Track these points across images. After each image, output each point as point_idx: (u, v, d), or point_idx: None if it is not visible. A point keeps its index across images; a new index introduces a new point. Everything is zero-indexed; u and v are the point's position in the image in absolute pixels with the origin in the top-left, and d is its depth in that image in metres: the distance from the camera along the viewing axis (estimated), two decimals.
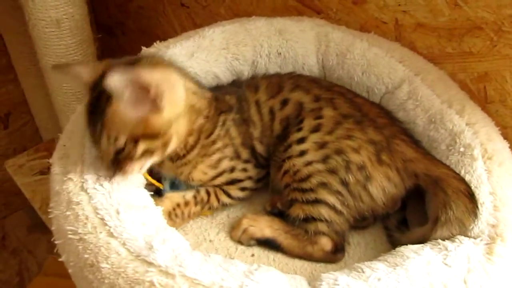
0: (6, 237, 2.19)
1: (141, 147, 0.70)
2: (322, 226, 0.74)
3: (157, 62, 0.77)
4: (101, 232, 0.64)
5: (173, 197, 0.79)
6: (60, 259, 0.68)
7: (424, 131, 0.85)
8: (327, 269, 0.72)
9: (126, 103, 0.67)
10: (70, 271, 0.67)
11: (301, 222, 0.75)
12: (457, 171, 0.76)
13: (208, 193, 0.81)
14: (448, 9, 0.91)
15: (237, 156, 0.82)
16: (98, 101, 0.69)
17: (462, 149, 0.78)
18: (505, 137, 0.87)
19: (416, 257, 0.63)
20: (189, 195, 0.80)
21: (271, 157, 0.84)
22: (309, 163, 0.76)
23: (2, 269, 2.07)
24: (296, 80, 0.89)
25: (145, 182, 0.78)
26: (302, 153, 0.77)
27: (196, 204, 0.80)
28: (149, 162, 0.73)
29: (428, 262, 0.62)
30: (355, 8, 1.06)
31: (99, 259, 0.62)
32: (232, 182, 0.82)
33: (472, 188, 0.72)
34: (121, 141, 0.69)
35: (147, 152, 0.71)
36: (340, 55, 0.97)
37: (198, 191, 0.81)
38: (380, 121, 0.81)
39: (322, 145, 0.77)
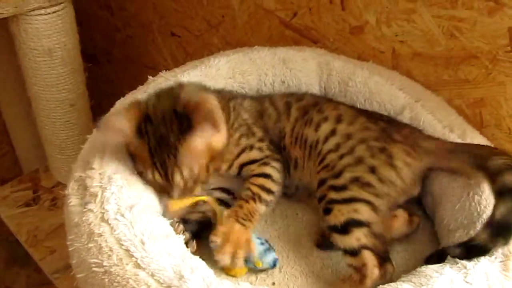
0: None
1: (211, 169, 0.79)
2: (363, 234, 0.73)
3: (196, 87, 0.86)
4: (127, 264, 0.63)
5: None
6: None
7: None
8: None
9: (199, 138, 0.75)
10: None
11: (340, 236, 0.74)
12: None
13: (248, 189, 0.82)
14: (444, 39, 0.96)
15: (252, 133, 0.88)
16: (161, 142, 0.74)
17: None
18: None
19: (439, 276, 0.65)
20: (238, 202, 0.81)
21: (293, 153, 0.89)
22: (342, 156, 0.81)
23: None
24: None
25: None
26: (337, 147, 0.82)
27: (248, 201, 0.79)
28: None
29: (452, 281, 0.64)
30: (352, 38, 1.11)
31: None
32: (251, 162, 0.85)
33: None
34: (195, 171, 0.76)
35: (214, 171, 0.80)
36: (342, 83, 1.01)
37: (240, 196, 0.81)
38: (385, 118, 0.92)
39: (348, 136, 0.83)
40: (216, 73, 0.96)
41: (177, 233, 0.73)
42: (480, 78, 0.95)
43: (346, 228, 0.74)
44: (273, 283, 0.76)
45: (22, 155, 1.96)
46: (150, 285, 0.61)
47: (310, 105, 0.92)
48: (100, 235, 0.66)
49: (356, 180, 0.77)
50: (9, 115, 1.84)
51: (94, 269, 0.64)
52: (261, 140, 0.88)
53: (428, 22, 0.97)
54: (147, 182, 0.78)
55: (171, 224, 0.74)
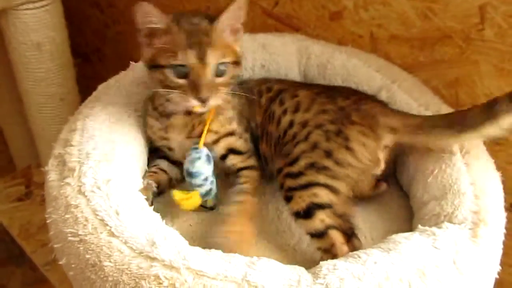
0: None
1: (234, 70, 0.82)
2: (326, 215, 0.74)
3: None
4: (101, 233, 0.64)
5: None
6: (60, 262, 0.67)
7: None
8: None
9: (225, 29, 0.81)
10: (70, 273, 0.66)
11: (305, 221, 0.75)
12: (438, 166, 0.81)
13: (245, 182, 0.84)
14: (418, 20, 0.98)
15: (239, 121, 0.89)
16: (196, 28, 0.78)
17: None
18: None
19: (407, 241, 0.66)
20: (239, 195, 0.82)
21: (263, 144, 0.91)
22: (297, 144, 0.81)
23: None
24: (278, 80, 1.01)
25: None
26: (294, 137, 0.83)
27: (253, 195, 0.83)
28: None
29: (419, 246, 0.65)
30: (332, 24, 1.13)
31: (102, 258, 0.62)
32: (238, 152, 0.87)
33: (454, 179, 0.77)
34: (227, 59, 0.80)
35: (233, 78, 0.83)
36: (320, 66, 1.03)
37: (233, 202, 0.81)
38: (348, 91, 0.93)
39: (304, 124, 0.84)
40: None
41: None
42: (454, 58, 0.97)
43: (309, 212, 0.75)
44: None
45: (16, 153, 1.98)
46: (123, 252, 0.62)
47: (275, 96, 0.92)
48: (77, 206, 0.68)
49: (311, 166, 0.78)
50: (2, 113, 1.86)
51: (70, 238, 0.65)
52: (246, 130, 0.90)
53: (403, 5, 0.99)
54: (168, 76, 0.78)
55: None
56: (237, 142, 0.88)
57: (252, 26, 1.30)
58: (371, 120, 0.82)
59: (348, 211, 0.77)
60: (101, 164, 0.74)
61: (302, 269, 0.64)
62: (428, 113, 0.89)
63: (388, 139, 0.81)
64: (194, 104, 0.78)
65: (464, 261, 0.65)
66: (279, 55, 1.04)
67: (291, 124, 0.85)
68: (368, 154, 0.80)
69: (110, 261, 0.62)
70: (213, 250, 0.65)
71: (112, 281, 0.61)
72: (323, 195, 0.76)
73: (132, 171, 0.79)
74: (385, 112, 0.84)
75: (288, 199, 0.78)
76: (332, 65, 1.02)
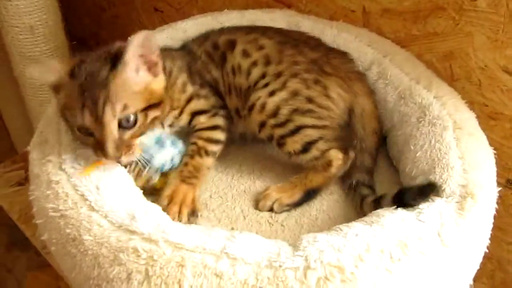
0: None
1: (151, 114, 0.72)
2: (321, 145, 0.80)
3: None
4: (81, 207, 0.64)
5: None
6: (42, 237, 0.67)
7: (395, 107, 0.88)
8: None
9: (132, 71, 0.70)
10: (52, 249, 0.67)
11: (303, 155, 0.81)
12: (428, 141, 0.79)
13: (193, 143, 0.83)
14: None
15: (193, 80, 0.86)
16: (92, 79, 0.68)
17: (432, 120, 0.81)
18: (473, 112, 0.91)
19: (390, 215, 0.65)
20: (184, 158, 0.81)
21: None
22: (272, 93, 0.82)
23: None
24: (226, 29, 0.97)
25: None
26: (266, 85, 0.84)
27: (193, 156, 0.80)
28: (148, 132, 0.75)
29: (402, 219, 0.64)
30: None
31: (81, 232, 0.62)
32: (201, 112, 0.85)
33: (442, 154, 0.75)
34: (131, 110, 0.69)
35: (155, 120, 0.74)
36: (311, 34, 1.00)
37: (186, 153, 0.82)
38: (312, 42, 0.93)
39: (278, 75, 0.84)
40: (183, 35, 0.97)
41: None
42: (448, 30, 0.94)
43: (305, 149, 0.81)
44: (232, 229, 0.77)
45: (17, 138, 1.99)
46: (102, 226, 0.62)
47: (228, 47, 0.89)
48: (57, 182, 0.68)
49: (295, 111, 0.81)
50: (1, 98, 1.86)
51: (51, 213, 0.65)
52: (202, 86, 0.87)
53: None
54: (77, 133, 0.71)
55: None
56: (197, 104, 0.85)
57: (245, 3, 1.28)
58: (344, 73, 0.87)
59: (340, 134, 0.83)
60: None
61: (283, 242, 0.63)
62: (419, 87, 0.87)
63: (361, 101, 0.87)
64: (108, 162, 0.71)
65: (449, 234, 0.64)
66: None
67: (263, 75, 0.85)
68: (344, 104, 0.85)
69: (89, 235, 0.61)
70: (193, 225, 0.64)
71: (92, 254, 0.60)
72: (314, 133, 0.81)
73: None
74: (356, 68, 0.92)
75: (281, 145, 0.82)
76: (323, 40, 0.99)
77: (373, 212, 0.69)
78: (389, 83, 0.91)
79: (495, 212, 0.74)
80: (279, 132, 0.81)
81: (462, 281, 0.66)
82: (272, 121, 0.82)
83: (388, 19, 1.02)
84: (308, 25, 1.03)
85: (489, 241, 0.71)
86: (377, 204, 0.73)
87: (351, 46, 0.98)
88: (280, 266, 0.57)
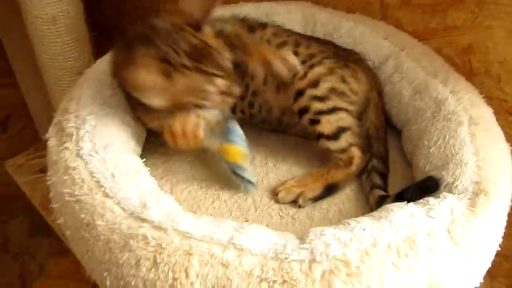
0: (8, 242, 2.21)
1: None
2: (349, 136, 0.82)
3: None
4: (96, 193, 0.66)
5: None
6: (58, 221, 0.70)
7: (410, 101, 0.88)
8: None
9: None
10: (67, 233, 0.69)
11: (332, 141, 0.82)
12: (442, 136, 0.78)
13: None
14: None
15: None
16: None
17: (447, 115, 0.80)
18: (491, 108, 0.89)
19: (400, 210, 0.64)
20: None
21: None
22: (312, 66, 0.85)
23: (4, 273, 2.08)
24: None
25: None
26: (304, 62, 0.86)
27: None
28: None
29: (412, 214, 0.63)
30: None
31: (95, 218, 0.64)
32: None
33: (456, 149, 0.74)
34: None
35: None
36: (327, 34, 1.00)
37: None
38: (331, 43, 0.97)
39: (311, 56, 0.88)
40: None
41: None
42: (467, 23, 0.92)
43: (336, 135, 0.82)
44: (246, 220, 0.78)
45: (41, 127, 2.04)
46: (115, 212, 0.64)
47: (259, 26, 0.92)
48: (74, 168, 0.70)
49: (333, 90, 0.83)
50: (26, 87, 1.91)
51: (67, 198, 0.67)
52: None
53: None
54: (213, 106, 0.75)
55: None
56: None
57: None
58: (363, 66, 0.91)
59: (361, 131, 0.85)
60: (96, 128, 0.75)
61: (291, 235, 0.63)
62: (436, 81, 0.86)
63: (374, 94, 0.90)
64: None
65: (460, 231, 0.63)
66: (283, 23, 1.02)
67: (295, 53, 0.86)
68: (365, 89, 0.88)
69: (102, 221, 0.63)
70: (204, 216, 0.65)
71: (103, 239, 0.62)
72: (346, 119, 0.83)
73: (128, 136, 0.79)
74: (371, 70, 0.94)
75: (315, 122, 0.83)
76: (339, 33, 0.99)
77: (383, 207, 0.68)
78: (404, 77, 0.90)
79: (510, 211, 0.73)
80: (317, 106, 0.82)
81: (472, 278, 0.65)
82: (313, 91, 0.83)
83: (407, 12, 1.01)
84: (324, 17, 1.02)
85: (505, 240, 0.70)
86: (382, 200, 0.73)
87: (368, 39, 0.97)
88: (286, 258, 0.58)
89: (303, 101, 0.83)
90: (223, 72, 0.72)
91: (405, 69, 0.90)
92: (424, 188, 0.71)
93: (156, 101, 0.71)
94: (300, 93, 0.83)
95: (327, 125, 0.82)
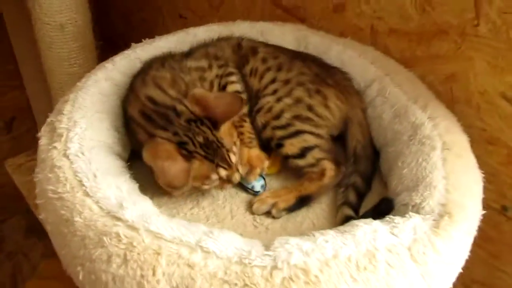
0: (3, 240, 2.24)
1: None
2: (316, 153, 0.87)
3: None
4: (77, 192, 0.70)
5: None
6: (40, 217, 0.73)
7: (389, 125, 0.91)
8: None
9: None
10: (48, 228, 0.72)
11: (300, 159, 0.87)
12: (415, 159, 0.81)
13: None
14: (416, 14, 0.98)
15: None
16: (207, 144, 0.79)
17: (422, 139, 0.83)
18: (471, 136, 0.92)
19: (364, 225, 0.67)
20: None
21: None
22: (279, 99, 0.90)
23: None
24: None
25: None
26: (275, 92, 0.92)
27: (242, 124, 0.89)
28: None
29: (375, 230, 0.66)
30: (335, 16, 1.14)
31: (74, 214, 0.67)
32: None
33: (427, 172, 0.77)
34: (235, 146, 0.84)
35: None
36: (317, 56, 1.04)
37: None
38: (318, 61, 1.02)
39: (286, 82, 0.93)
40: (193, 38, 1.02)
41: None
42: (450, 53, 0.96)
43: (302, 154, 0.87)
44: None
45: None
46: (93, 210, 0.67)
47: (251, 51, 0.98)
48: (60, 167, 0.73)
49: (296, 117, 0.88)
50: (32, 91, 1.97)
51: (50, 195, 0.71)
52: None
53: None
54: (210, 187, 0.83)
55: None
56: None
57: (262, 16, 1.33)
58: (343, 87, 0.95)
59: (332, 147, 0.90)
60: (86, 132, 0.79)
61: (258, 242, 0.66)
62: (415, 106, 0.89)
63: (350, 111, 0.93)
64: None
65: (420, 250, 0.65)
66: (277, 43, 1.06)
67: (273, 80, 0.93)
68: (340, 114, 0.93)
69: (80, 217, 0.67)
70: (177, 219, 0.68)
71: (79, 235, 0.65)
72: (311, 139, 0.88)
73: (115, 141, 0.83)
74: (352, 89, 0.98)
75: (279, 146, 0.88)
76: (328, 55, 1.03)
77: (350, 222, 0.71)
78: (386, 101, 0.93)
79: (490, 238, 0.75)
80: (279, 133, 0.88)
81: None
82: (274, 123, 0.89)
83: (395, 39, 1.05)
84: (315, 40, 1.06)
85: (483, 268, 0.72)
86: (347, 221, 0.76)
87: (355, 62, 1.01)
88: (249, 263, 0.61)
89: (267, 132, 0.89)
90: (227, 165, 0.81)
91: (387, 94, 0.94)
92: (380, 210, 0.74)
93: (175, 181, 0.76)
94: (265, 125, 0.89)
95: (290, 147, 0.87)
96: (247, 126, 0.90)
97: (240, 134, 0.88)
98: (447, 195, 0.74)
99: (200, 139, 0.79)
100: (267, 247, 0.64)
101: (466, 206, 0.73)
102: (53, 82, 1.64)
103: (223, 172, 0.80)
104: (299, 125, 0.88)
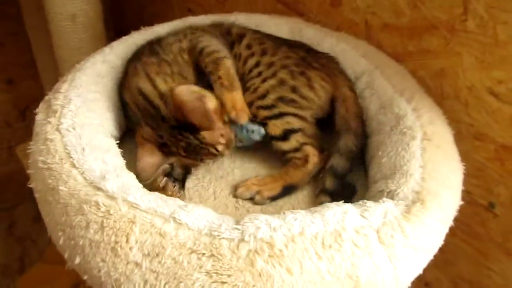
0: (13, 225, 2.32)
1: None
2: (299, 137, 0.89)
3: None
4: (65, 163, 0.73)
5: None
6: (30, 185, 0.77)
7: (374, 115, 0.92)
8: None
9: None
10: (36, 195, 0.76)
11: (283, 142, 0.89)
12: (395, 148, 0.82)
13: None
14: (408, 9, 0.99)
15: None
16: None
17: (403, 130, 0.84)
18: (459, 131, 0.93)
19: (335, 207, 0.69)
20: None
21: None
22: (264, 80, 0.92)
23: (6, 255, 2.18)
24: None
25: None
26: (259, 74, 0.93)
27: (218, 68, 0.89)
28: None
29: (345, 212, 0.68)
30: (332, 11, 1.16)
31: (59, 184, 0.71)
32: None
33: (405, 161, 0.79)
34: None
35: None
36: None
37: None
38: (306, 47, 1.03)
39: (270, 65, 0.94)
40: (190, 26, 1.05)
41: (170, 193, 0.84)
42: (439, 48, 0.97)
43: (285, 136, 0.88)
44: None
45: None
46: (77, 180, 0.71)
47: (237, 38, 1.00)
48: (52, 140, 0.77)
49: (281, 99, 0.90)
50: (46, 80, 2.04)
51: (40, 165, 0.75)
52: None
53: None
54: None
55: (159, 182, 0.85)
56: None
57: (264, 10, 1.36)
58: (328, 70, 0.96)
59: (316, 133, 0.91)
60: (80, 109, 0.83)
61: (230, 217, 0.69)
62: (401, 99, 0.90)
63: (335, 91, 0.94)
64: None
65: (388, 232, 0.67)
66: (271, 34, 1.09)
67: (257, 64, 0.95)
68: (325, 94, 0.93)
69: (65, 187, 0.70)
70: (155, 192, 0.72)
71: (63, 203, 0.69)
72: (295, 122, 0.89)
73: (107, 120, 0.87)
74: (338, 70, 0.99)
75: (263, 126, 0.90)
76: (321, 47, 1.05)
77: (323, 204, 0.73)
78: (374, 93, 0.95)
79: (478, 235, 0.75)
80: (263, 113, 0.90)
81: (396, 280, 0.68)
82: (259, 102, 0.90)
83: (388, 34, 1.06)
84: (310, 32, 1.09)
85: (469, 265, 0.72)
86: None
87: (347, 55, 1.03)
88: (218, 235, 0.63)
89: (252, 110, 0.90)
90: (213, 155, 0.88)
91: (376, 86, 0.95)
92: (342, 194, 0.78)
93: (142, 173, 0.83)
94: (250, 104, 0.90)
95: (273, 127, 0.89)
96: (224, 68, 0.89)
97: (219, 78, 0.88)
98: (422, 183, 0.75)
99: (183, 144, 0.84)
100: (237, 222, 0.67)
101: (440, 195, 0.74)
102: (64, 70, 1.68)
103: (209, 160, 0.84)
104: (282, 107, 0.89)
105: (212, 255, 0.62)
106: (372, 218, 0.68)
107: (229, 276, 0.61)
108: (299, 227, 0.65)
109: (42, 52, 1.94)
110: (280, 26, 1.10)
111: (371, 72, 0.98)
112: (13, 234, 2.27)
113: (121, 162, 0.80)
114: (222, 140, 0.87)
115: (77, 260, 0.66)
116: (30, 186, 0.77)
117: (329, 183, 0.85)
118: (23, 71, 2.11)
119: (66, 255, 0.68)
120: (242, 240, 0.63)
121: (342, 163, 0.87)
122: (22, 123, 2.25)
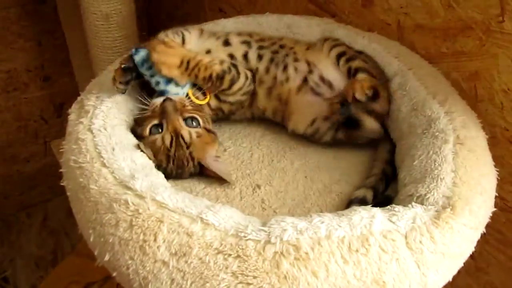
0: (47, 218, 2.40)
1: None
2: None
3: None
4: (96, 162, 0.75)
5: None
6: (62, 183, 0.80)
7: (406, 117, 0.90)
8: None
9: None
10: (68, 194, 0.78)
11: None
12: (426, 152, 0.80)
13: None
14: (442, 10, 0.97)
15: None
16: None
17: (435, 133, 0.82)
18: (494, 135, 0.90)
19: (362, 211, 0.68)
20: None
21: None
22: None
23: (40, 246, 2.26)
24: None
25: None
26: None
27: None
28: None
29: (373, 216, 0.67)
30: (364, 11, 1.15)
31: (90, 182, 0.73)
32: None
33: (436, 165, 0.77)
34: None
35: None
36: None
37: None
38: None
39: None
40: (221, 29, 1.06)
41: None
42: (474, 50, 0.94)
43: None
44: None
45: None
46: (107, 179, 0.73)
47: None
48: (83, 140, 0.80)
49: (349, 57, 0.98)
50: (80, 78, 2.10)
51: (71, 164, 0.77)
52: None
53: None
54: None
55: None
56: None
57: (296, 11, 1.35)
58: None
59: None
60: (111, 110, 0.85)
61: (256, 219, 0.69)
62: (434, 101, 0.88)
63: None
64: None
65: (417, 238, 0.66)
66: (303, 36, 1.08)
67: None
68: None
69: (95, 185, 0.72)
70: (183, 193, 0.73)
71: (93, 201, 0.71)
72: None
73: None
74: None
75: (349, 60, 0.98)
76: (354, 48, 1.04)
77: (350, 208, 0.72)
78: (406, 94, 0.93)
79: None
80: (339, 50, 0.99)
81: (426, 287, 0.67)
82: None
83: (420, 35, 1.04)
84: (341, 33, 1.07)
85: (501, 273, 0.69)
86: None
87: (379, 56, 1.01)
88: (244, 236, 0.64)
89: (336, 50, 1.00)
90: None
91: (408, 87, 0.93)
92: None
93: None
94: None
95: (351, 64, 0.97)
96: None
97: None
98: (453, 188, 0.73)
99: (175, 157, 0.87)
100: (264, 223, 0.67)
101: (472, 201, 0.72)
102: (98, 69, 1.74)
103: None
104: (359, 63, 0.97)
105: (238, 256, 0.62)
106: (400, 223, 0.67)
107: (254, 277, 0.61)
108: (325, 230, 0.64)
109: (77, 51, 2.00)
110: (312, 27, 1.09)
111: (404, 73, 0.96)
112: (47, 227, 2.36)
113: (149, 162, 0.81)
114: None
115: (107, 257, 0.67)
116: (62, 184, 0.80)
117: (361, 192, 0.85)
118: (59, 68, 2.18)
119: (96, 252, 0.70)
120: (268, 242, 0.63)
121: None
122: (57, 119, 2.32)
